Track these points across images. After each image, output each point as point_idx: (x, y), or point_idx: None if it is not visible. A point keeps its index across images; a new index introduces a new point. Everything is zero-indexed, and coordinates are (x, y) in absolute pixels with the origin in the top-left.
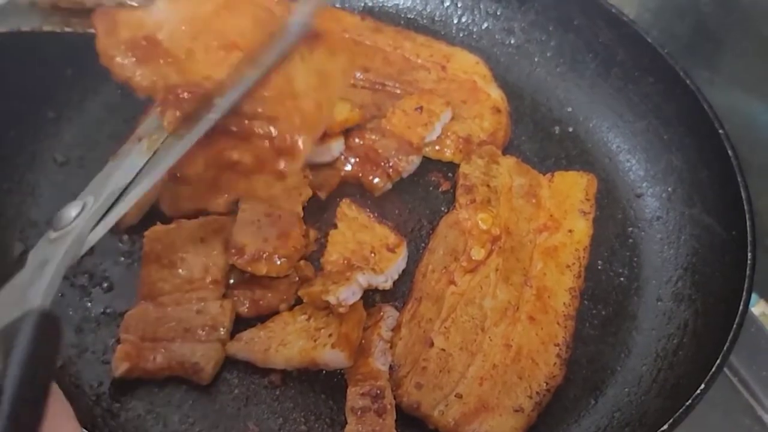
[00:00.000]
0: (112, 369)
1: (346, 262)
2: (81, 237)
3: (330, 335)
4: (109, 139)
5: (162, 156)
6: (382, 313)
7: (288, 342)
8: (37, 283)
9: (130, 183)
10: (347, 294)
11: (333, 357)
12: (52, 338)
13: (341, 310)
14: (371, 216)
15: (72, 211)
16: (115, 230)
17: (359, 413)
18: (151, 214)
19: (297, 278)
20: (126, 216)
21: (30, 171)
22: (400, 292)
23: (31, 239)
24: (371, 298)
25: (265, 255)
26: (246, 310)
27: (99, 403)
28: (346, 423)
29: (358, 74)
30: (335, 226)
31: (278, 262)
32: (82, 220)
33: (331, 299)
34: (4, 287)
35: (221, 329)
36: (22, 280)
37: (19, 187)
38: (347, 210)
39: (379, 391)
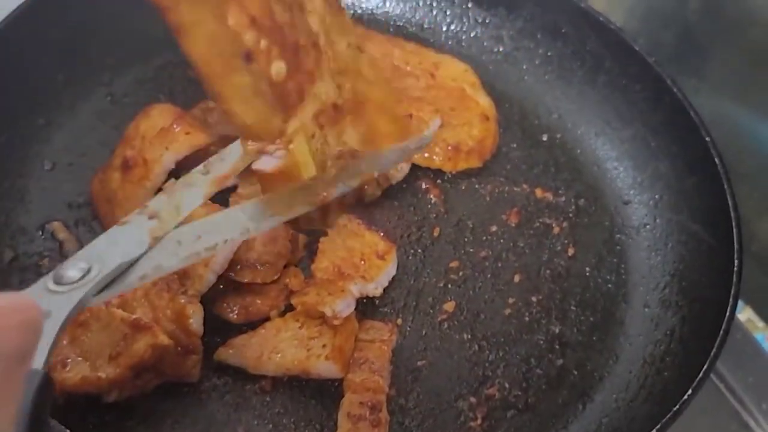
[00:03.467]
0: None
1: (336, 269)
2: (84, 301)
3: (324, 346)
4: (99, 146)
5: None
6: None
7: (280, 350)
8: (42, 340)
9: (138, 259)
10: (343, 306)
11: (326, 368)
12: (49, 403)
13: (336, 322)
14: (361, 223)
15: (76, 270)
16: None
17: (355, 420)
18: None
19: (287, 284)
20: (117, 221)
21: (20, 177)
22: (390, 299)
23: (21, 246)
24: (360, 303)
25: (249, 262)
26: (235, 316)
27: (91, 412)
28: (336, 429)
29: None
30: (325, 233)
31: (263, 269)
32: (87, 285)
33: (327, 311)
34: None
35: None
36: None
37: (8, 194)
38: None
39: (377, 404)
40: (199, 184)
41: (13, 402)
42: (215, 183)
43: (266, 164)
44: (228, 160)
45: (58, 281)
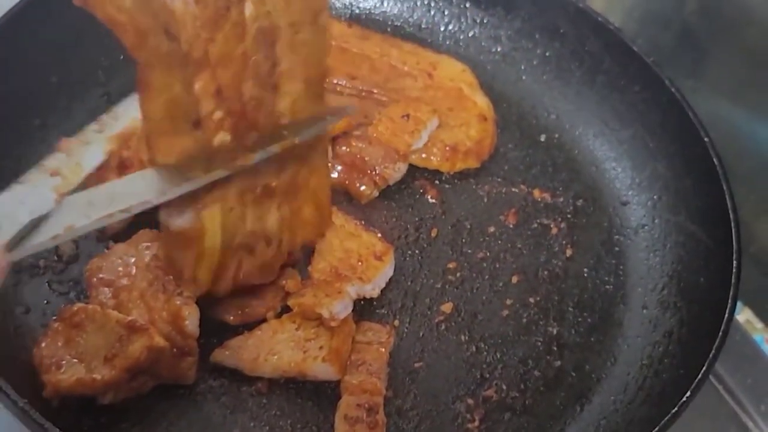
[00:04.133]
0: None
1: (333, 270)
2: None
3: (320, 348)
4: None
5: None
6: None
7: (277, 351)
8: None
9: (48, 216)
10: (340, 308)
11: (323, 370)
12: None
13: (333, 323)
14: (358, 223)
15: None
16: (101, 237)
17: (352, 422)
18: (139, 222)
19: (284, 286)
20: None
21: (15, 178)
22: (387, 300)
23: None
24: (357, 304)
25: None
26: (231, 318)
27: (86, 414)
28: (333, 431)
29: (344, 82)
30: (322, 234)
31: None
32: None
33: (324, 313)
34: None
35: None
36: None
37: None
38: (334, 218)
39: (374, 406)
40: (97, 141)
41: None
42: (112, 140)
43: (173, 220)
44: (122, 119)
45: None
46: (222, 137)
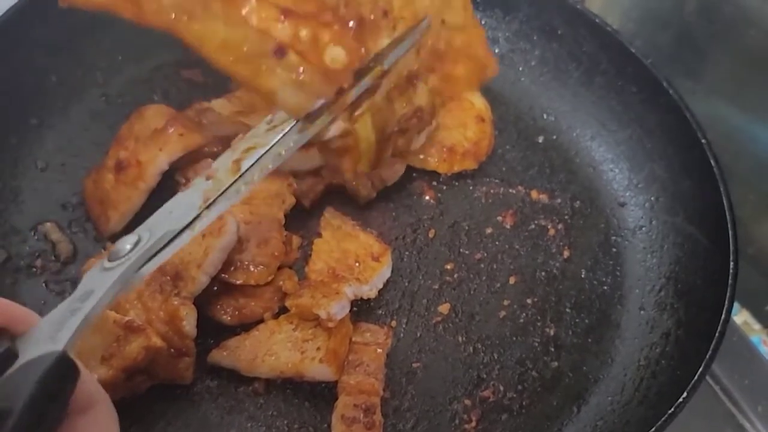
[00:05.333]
0: None
1: (331, 271)
2: (130, 271)
3: (318, 349)
4: (92, 146)
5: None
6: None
7: (274, 352)
8: (72, 320)
9: (191, 222)
10: (337, 308)
11: (320, 371)
12: (67, 383)
13: (330, 324)
14: (356, 224)
15: (127, 243)
16: (98, 238)
17: (349, 422)
18: (137, 220)
19: (281, 286)
20: (110, 222)
21: (13, 178)
22: (384, 301)
23: (14, 246)
24: (354, 305)
25: (242, 263)
26: (229, 318)
27: None
28: (330, 431)
29: None
30: (319, 235)
31: (256, 270)
32: (135, 254)
33: (322, 313)
34: (50, 314)
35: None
36: (62, 309)
37: (2, 194)
38: (331, 218)
39: (371, 407)
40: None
41: None
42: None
43: (325, 133)
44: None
45: (112, 258)
46: (333, 55)
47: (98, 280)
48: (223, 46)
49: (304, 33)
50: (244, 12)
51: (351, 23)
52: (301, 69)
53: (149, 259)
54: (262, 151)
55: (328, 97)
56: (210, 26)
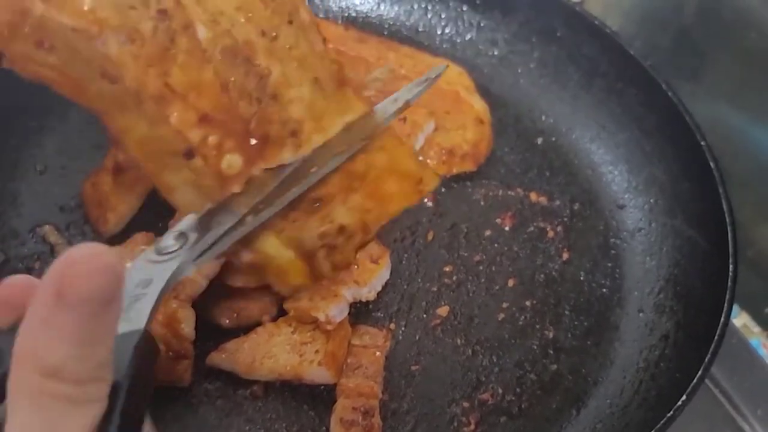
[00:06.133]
0: None
1: None
2: (183, 266)
3: (316, 352)
4: (91, 149)
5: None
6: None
7: (273, 355)
8: (143, 302)
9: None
10: (336, 311)
11: (319, 374)
12: (151, 361)
13: (329, 327)
14: None
15: (172, 239)
16: (97, 240)
17: (347, 425)
18: (135, 222)
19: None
20: (109, 225)
21: (11, 180)
22: (383, 303)
23: (13, 249)
24: (353, 308)
25: (241, 266)
26: (227, 321)
27: None
28: None
29: None
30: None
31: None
32: (185, 251)
33: (320, 316)
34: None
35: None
36: (130, 298)
37: (0, 197)
38: None
39: (370, 409)
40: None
41: (101, 346)
42: None
43: (237, 261)
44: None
45: (159, 252)
46: (230, 161)
47: (155, 272)
48: (142, 140)
49: (211, 138)
50: (169, 113)
51: (253, 141)
52: (201, 171)
53: (198, 257)
54: None
55: (218, 199)
56: (135, 121)
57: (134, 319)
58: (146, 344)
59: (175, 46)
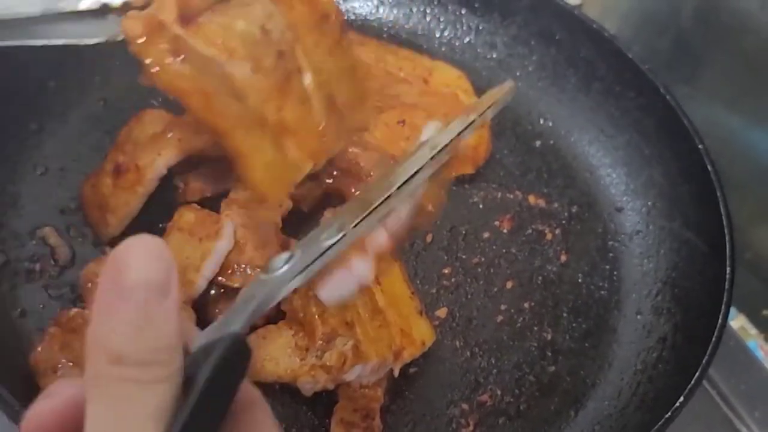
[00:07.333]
0: None
1: None
2: (281, 283)
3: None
4: (91, 151)
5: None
6: None
7: (274, 357)
8: (239, 313)
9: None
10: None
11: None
12: (241, 362)
13: None
14: None
15: (282, 259)
16: (97, 242)
17: (348, 427)
18: (135, 225)
19: None
20: (109, 227)
21: (11, 182)
22: None
23: (13, 251)
24: None
25: (240, 266)
26: None
27: None
28: None
29: None
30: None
31: (254, 274)
32: (287, 269)
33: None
34: (223, 315)
35: None
36: (231, 311)
37: (0, 198)
38: None
39: (371, 411)
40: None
41: (160, 330)
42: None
43: None
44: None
45: (267, 271)
46: None
47: (257, 290)
48: (266, 165)
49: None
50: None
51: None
52: None
53: (299, 273)
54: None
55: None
56: (259, 141)
57: (226, 327)
58: (235, 349)
59: (289, 85)
